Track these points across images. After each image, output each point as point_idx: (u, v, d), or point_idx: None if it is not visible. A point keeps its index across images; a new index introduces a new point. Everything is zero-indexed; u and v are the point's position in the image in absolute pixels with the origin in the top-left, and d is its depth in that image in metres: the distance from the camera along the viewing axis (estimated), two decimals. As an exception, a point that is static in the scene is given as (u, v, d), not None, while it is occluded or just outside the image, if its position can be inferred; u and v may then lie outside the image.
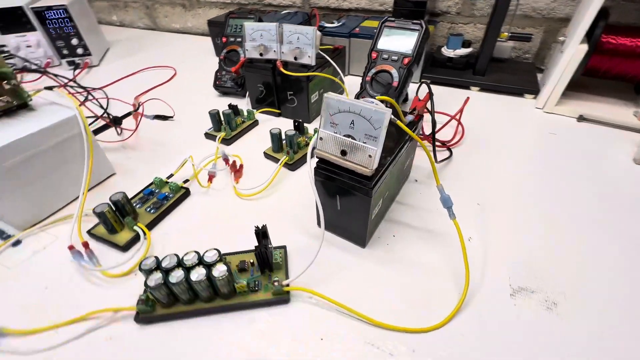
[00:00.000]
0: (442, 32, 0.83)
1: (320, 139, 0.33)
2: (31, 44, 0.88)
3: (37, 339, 0.31)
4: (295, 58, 0.57)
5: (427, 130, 0.57)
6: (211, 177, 0.49)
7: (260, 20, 0.67)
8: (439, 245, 0.39)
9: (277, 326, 0.32)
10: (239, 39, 0.70)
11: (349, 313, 0.32)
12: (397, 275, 0.36)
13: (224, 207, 0.46)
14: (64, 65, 0.91)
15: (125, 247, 0.39)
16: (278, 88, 0.62)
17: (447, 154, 0.53)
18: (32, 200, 0.43)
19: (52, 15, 0.85)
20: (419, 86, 0.53)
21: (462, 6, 0.78)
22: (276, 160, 0.52)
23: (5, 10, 0.83)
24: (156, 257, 0.32)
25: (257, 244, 0.33)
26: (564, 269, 0.36)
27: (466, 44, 0.73)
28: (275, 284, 0.32)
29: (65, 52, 0.89)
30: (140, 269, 0.31)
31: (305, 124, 0.55)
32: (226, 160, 0.50)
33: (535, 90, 0.66)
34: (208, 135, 0.59)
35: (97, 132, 0.55)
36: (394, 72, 0.56)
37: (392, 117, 0.35)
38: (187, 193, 0.47)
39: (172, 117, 0.66)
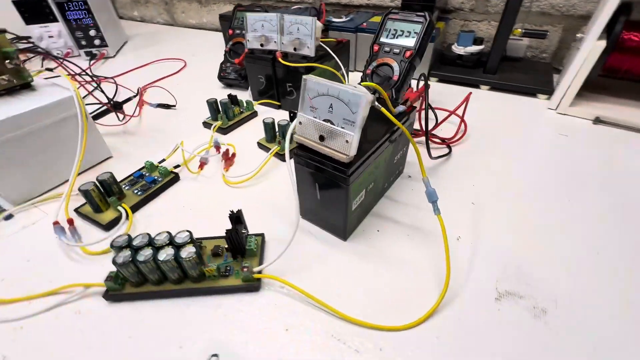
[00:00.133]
0: (454, 30, 0.80)
1: (300, 123, 0.32)
2: (53, 34, 0.92)
3: (10, 309, 0.32)
4: (295, 49, 0.57)
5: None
6: (202, 164, 0.49)
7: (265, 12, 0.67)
8: (424, 244, 0.37)
9: (244, 313, 0.31)
10: (245, 32, 0.70)
11: (319, 306, 0.31)
12: (376, 271, 0.34)
13: (211, 193, 0.45)
14: (82, 56, 0.95)
15: (107, 226, 0.39)
16: (278, 80, 0.62)
17: (446, 151, 0.51)
18: (27, 176, 0.44)
19: (72, 7, 0.88)
20: (418, 80, 0.51)
21: (475, 2, 0.75)
22: (269, 150, 0.51)
23: (30, 1, 0.87)
24: (128, 235, 0.32)
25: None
26: (558, 276, 0.33)
27: (478, 41, 0.70)
28: (245, 269, 0.31)
29: (83, 42, 0.93)
30: (111, 246, 0.31)
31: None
32: (217, 147, 0.50)
33: (549, 91, 0.63)
34: (206, 124, 0.60)
35: (98, 116, 0.57)
36: (395, 65, 0.54)
37: (377, 104, 0.33)
38: (176, 178, 0.47)
39: (174, 106, 0.67)
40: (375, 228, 0.39)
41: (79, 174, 0.49)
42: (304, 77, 0.31)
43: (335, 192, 0.33)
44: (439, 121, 0.54)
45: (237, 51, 0.71)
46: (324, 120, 0.31)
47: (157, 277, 0.31)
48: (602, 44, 0.51)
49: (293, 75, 0.58)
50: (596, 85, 0.58)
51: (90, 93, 0.60)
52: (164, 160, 0.49)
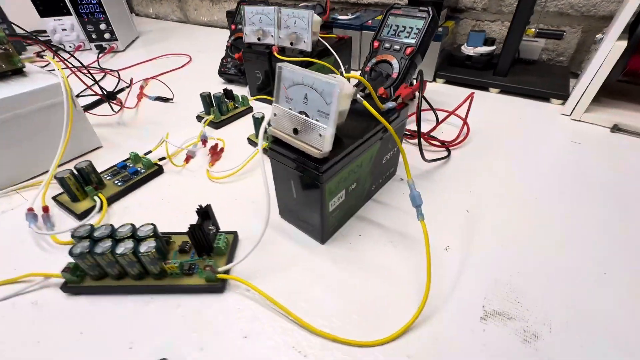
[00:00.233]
0: (465, 31, 0.77)
1: (274, 115, 0.30)
2: (66, 27, 0.94)
3: (-31, 295, 0.31)
4: (292, 43, 0.55)
5: (426, 127, 0.52)
6: (189, 157, 0.48)
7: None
8: (408, 252, 0.34)
9: (203, 316, 0.28)
10: (242, 25, 0.69)
11: (284, 313, 0.28)
12: (351, 279, 0.31)
13: (193, 187, 0.44)
14: (93, 50, 0.96)
15: (81, 216, 0.38)
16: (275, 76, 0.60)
17: (443, 153, 0.47)
18: (12, 162, 0.43)
19: (85, 1, 0.90)
20: (416, 78, 0.48)
21: (488, 2, 0.71)
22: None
23: (44, -6, 0.89)
24: (91, 225, 0.31)
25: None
26: (556, 297, 0.29)
27: (489, 41, 0.67)
28: (207, 269, 0.29)
29: (94, 36, 0.94)
30: (72, 236, 0.30)
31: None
32: (204, 141, 0.49)
33: (564, 95, 0.58)
34: (199, 118, 0.59)
35: (92, 106, 0.56)
36: (395, 62, 0.52)
37: (359, 97, 0.31)
38: (160, 170, 0.46)
39: (171, 99, 0.66)
40: (357, 232, 0.36)
41: (66, 162, 0.49)
42: (278, 64, 0.28)
43: (310, 190, 0.30)
44: (438, 122, 0.51)
45: (239, 46, 0.70)
46: (300, 113, 0.29)
47: (117, 271, 0.30)
48: (623, 44, 0.47)
49: (289, 70, 0.56)
50: (615, 90, 0.53)
51: (89, 88, 0.60)
52: (150, 152, 0.48)
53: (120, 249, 0.28)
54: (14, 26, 0.77)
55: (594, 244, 0.34)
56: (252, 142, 0.51)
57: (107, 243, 0.29)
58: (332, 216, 0.34)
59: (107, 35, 0.94)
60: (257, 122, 0.49)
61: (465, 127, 0.51)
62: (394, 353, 0.25)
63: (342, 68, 0.60)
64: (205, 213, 0.31)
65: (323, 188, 0.29)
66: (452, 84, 0.69)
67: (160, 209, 0.40)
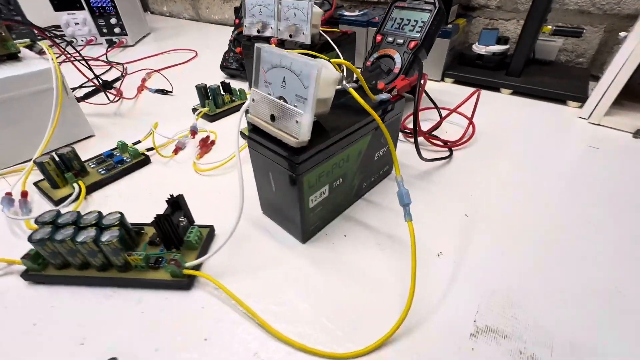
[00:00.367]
0: (478, 30, 0.73)
1: (253, 100, 0.28)
2: (78, 22, 0.96)
3: None
4: (291, 35, 0.53)
5: (427, 126, 0.49)
6: (178, 148, 0.46)
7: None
8: (396, 256, 0.31)
9: (164, 314, 0.26)
10: (243, 17, 0.68)
11: (251, 317, 0.26)
12: (330, 283, 0.28)
13: (178, 179, 0.42)
14: (104, 44, 0.97)
15: (58, 203, 0.37)
16: (275, 69, 0.58)
17: (444, 153, 0.44)
18: (0, 146, 0.43)
19: (97, -5, 0.91)
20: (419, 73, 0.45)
21: (503, -1, 0.68)
22: (249, 139, 0.47)
23: (58, -12, 0.91)
24: (58, 211, 0.29)
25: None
26: (560, 315, 0.26)
27: (502, 40, 0.63)
28: (172, 263, 0.27)
29: (104, 30, 0.95)
30: (35, 222, 0.28)
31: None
32: (194, 132, 0.47)
33: (581, 98, 0.54)
34: (195, 111, 0.57)
35: (88, 95, 0.56)
36: (397, 57, 0.49)
37: (345, 84, 0.28)
38: (146, 161, 0.45)
39: (171, 91, 0.65)
40: (342, 232, 0.33)
41: (56, 150, 0.48)
42: (257, 45, 0.26)
43: (289, 184, 0.28)
44: (441, 119, 0.48)
45: (241, 40, 0.69)
46: (279, 98, 0.26)
47: (79, 260, 0.28)
48: (649, 41, 0.43)
49: (288, 64, 0.54)
50: (638, 92, 0.49)
51: (90, 80, 0.59)
52: (139, 141, 0.47)
53: (81, 237, 0.26)
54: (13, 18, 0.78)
55: (609, 259, 0.30)
56: (245, 136, 0.49)
57: (69, 230, 0.27)
58: (314, 213, 0.31)
59: (117, 30, 0.95)
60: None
61: (470, 126, 0.48)
62: (366, 368, 0.23)
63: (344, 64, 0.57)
64: (175, 203, 0.29)
65: (301, 180, 0.27)
66: (461, 83, 0.65)
67: (140, 199, 0.39)
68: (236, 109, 0.58)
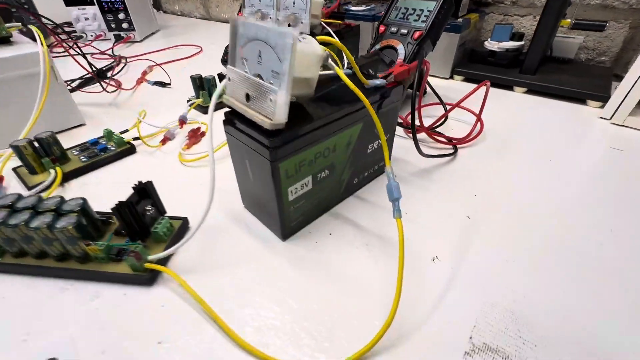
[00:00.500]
0: (491, 26, 0.69)
1: (229, 79, 0.26)
2: (88, 17, 0.97)
3: None
4: (289, 25, 0.50)
5: (428, 122, 0.45)
6: (166, 139, 0.44)
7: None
8: (385, 258, 0.27)
9: (120, 311, 0.24)
10: (243, 7, 0.66)
11: (214, 321, 0.23)
12: (307, 285, 0.25)
13: (163, 170, 0.40)
14: (112, 39, 0.98)
15: (33, 189, 0.35)
16: (273, 62, 0.56)
17: (447, 150, 0.40)
18: (-15, 130, 0.42)
19: (107, -10, 0.92)
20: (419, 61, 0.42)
21: (519, -7, 0.64)
22: (240, 131, 0.45)
23: (69, -17, 0.92)
24: (19, 195, 0.27)
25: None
26: (572, 336, 0.22)
27: (516, 36, 0.59)
28: (131, 255, 0.24)
29: (112, 25, 0.96)
30: (-6, 204, 0.26)
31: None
32: (182, 122, 0.45)
33: (603, 97, 0.50)
34: (190, 102, 0.55)
35: (82, 85, 0.55)
36: (400, 47, 0.46)
37: (331, 62, 0.25)
38: (132, 150, 0.43)
39: (169, 84, 0.64)
40: (328, 230, 0.30)
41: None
42: (231, 19, 0.24)
43: (264, 171, 0.25)
44: (445, 112, 0.44)
45: (243, 34, 0.67)
46: (255, 76, 0.24)
47: (36, 249, 0.26)
48: (682, 32, 0.38)
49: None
50: (670, 91, 0.44)
51: (92, 71, 0.58)
52: (126, 130, 0.45)
53: (35, 223, 0.24)
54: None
55: (629, 273, 0.26)
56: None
57: (25, 215, 0.25)
58: (295, 208, 0.28)
59: (125, 25, 0.96)
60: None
61: (478, 124, 0.44)
62: (337, 387, 0.19)
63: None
64: (142, 190, 0.26)
65: (276, 168, 0.24)
66: (471, 81, 0.62)
67: (119, 188, 0.37)
68: (232, 101, 0.56)
